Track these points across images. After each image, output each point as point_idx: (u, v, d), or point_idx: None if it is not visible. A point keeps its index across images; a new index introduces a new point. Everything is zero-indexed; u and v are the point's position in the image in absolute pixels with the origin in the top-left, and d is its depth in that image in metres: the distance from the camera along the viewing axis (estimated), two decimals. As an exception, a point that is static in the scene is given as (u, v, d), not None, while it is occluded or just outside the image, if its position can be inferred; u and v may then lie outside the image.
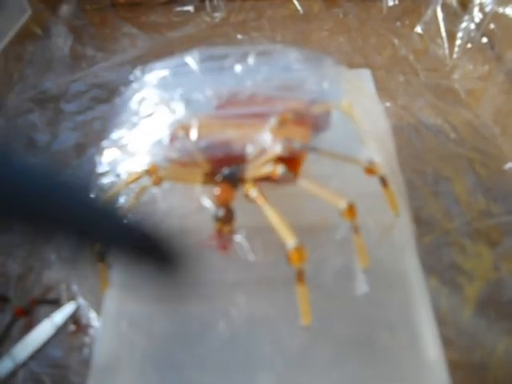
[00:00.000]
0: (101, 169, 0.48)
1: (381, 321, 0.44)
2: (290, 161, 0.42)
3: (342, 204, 0.39)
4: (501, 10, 0.70)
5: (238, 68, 0.51)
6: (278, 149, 0.42)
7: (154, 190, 0.47)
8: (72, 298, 0.49)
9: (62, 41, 0.88)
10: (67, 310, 0.48)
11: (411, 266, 0.47)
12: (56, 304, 0.49)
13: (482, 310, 0.47)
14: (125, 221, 0.24)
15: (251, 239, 0.45)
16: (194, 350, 0.43)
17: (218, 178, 0.44)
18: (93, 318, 0.48)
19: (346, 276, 0.43)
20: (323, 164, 0.46)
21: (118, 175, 0.47)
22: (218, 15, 0.92)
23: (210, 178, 0.44)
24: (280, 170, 0.40)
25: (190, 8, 0.94)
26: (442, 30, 0.80)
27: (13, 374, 0.45)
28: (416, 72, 0.76)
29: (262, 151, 0.43)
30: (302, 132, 0.46)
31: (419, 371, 0.41)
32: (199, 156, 0.45)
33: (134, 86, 0.53)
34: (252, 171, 0.43)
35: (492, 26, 0.72)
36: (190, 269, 0.26)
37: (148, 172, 0.43)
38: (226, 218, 0.42)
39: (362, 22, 0.89)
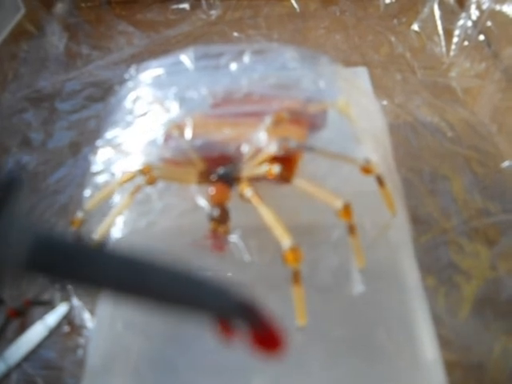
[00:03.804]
0: (95, 168, 0.48)
1: (377, 321, 0.43)
2: (286, 160, 0.42)
3: (338, 204, 0.39)
4: (498, 7, 0.70)
5: (233, 66, 0.50)
6: (273, 148, 0.41)
7: (149, 190, 0.46)
8: (66, 298, 0.49)
9: (56, 39, 0.87)
10: (61, 310, 0.48)
11: (408, 265, 0.47)
12: (49, 305, 0.48)
13: (479, 309, 0.46)
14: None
15: (246, 239, 0.45)
16: (188, 351, 0.43)
17: (213, 177, 0.43)
18: (87, 319, 0.47)
19: (342, 276, 0.43)
20: (319, 163, 0.45)
21: (112, 174, 0.47)
22: (214, 13, 0.92)
23: (204, 177, 0.44)
24: (275, 169, 0.40)
25: (186, 6, 0.93)
26: (439, 27, 0.80)
27: (6, 375, 0.44)
28: (413, 70, 0.76)
29: (258, 150, 0.43)
30: (297, 131, 0.45)
31: (416, 371, 0.41)
32: (194, 155, 0.44)
33: (129, 84, 0.53)
34: (247, 171, 0.43)
35: (489, 23, 0.72)
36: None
37: (142, 172, 0.42)
38: (221, 218, 0.41)
39: (359, 19, 0.89)
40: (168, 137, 0.46)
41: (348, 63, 0.74)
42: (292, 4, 0.93)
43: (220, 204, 0.42)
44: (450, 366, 0.41)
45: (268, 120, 0.43)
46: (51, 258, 0.22)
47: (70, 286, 0.24)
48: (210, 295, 0.26)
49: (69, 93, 0.77)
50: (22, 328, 0.47)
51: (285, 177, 0.41)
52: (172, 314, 0.26)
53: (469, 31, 0.75)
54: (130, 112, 0.50)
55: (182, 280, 0.25)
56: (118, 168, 0.46)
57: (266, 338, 0.27)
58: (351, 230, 0.40)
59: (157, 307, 0.25)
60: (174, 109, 0.47)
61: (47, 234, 0.22)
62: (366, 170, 0.43)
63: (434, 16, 0.82)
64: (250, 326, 0.26)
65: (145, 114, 0.49)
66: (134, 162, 0.45)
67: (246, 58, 0.50)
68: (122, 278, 0.23)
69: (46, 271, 0.22)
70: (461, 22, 0.77)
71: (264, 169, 0.41)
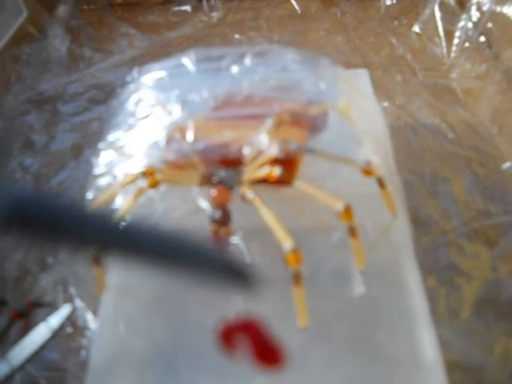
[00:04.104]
0: (97, 170, 0.48)
1: (378, 322, 0.44)
2: (287, 162, 0.42)
3: (339, 206, 0.39)
4: (498, 8, 0.70)
5: (234, 69, 0.50)
6: (274, 150, 0.42)
7: (151, 192, 0.47)
8: (69, 300, 0.49)
9: (58, 42, 0.87)
10: (64, 312, 0.48)
11: (409, 266, 0.47)
12: (52, 306, 0.49)
13: (479, 310, 0.47)
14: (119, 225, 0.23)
15: (248, 241, 0.45)
16: (191, 352, 0.43)
17: (215, 179, 0.43)
18: (90, 320, 0.48)
19: (343, 277, 0.43)
20: (320, 165, 0.46)
21: (114, 177, 0.47)
22: (215, 15, 0.92)
23: (206, 179, 0.44)
24: (277, 171, 0.40)
25: (188, 8, 0.94)
26: (440, 29, 0.80)
27: (10, 377, 0.45)
28: (414, 71, 0.76)
29: (259, 153, 0.43)
30: (298, 133, 0.46)
31: (417, 372, 0.41)
32: (196, 158, 0.44)
33: (131, 87, 0.53)
34: (249, 173, 0.43)
35: (490, 24, 0.72)
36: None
37: (144, 174, 0.43)
38: (223, 220, 0.42)
39: (360, 21, 0.89)
40: (170, 139, 0.46)
41: (349, 65, 0.75)
42: (293, 6, 0.93)
43: (221, 206, 0.42)
44: (451, 367, 0.41)
45: (269, 122, 0.44)
46: (32, 211, 0.21)
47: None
48: (202, 254, 0.25)
49: (71, 95, 0.77)
50: (25, 330, 0.47)
51: (286, 179, 0.41)
52: (162, 271, 0.25)
53: (469, 32, 0.76)
54: (132, 114, 0.50)
55: (169, 239, 0.24)
56: (120, 170, 0.47)
57: (267, 352, 0.27)
58: (352, 231, 0.40)
59: (145, 264, 0.24)
60: (176, 111, 0.48)
61: (30, 191, 0.22)
62: (367, 171, 0.43)
63: (434, 17, 0.82)
64: (250, 339, 0.26)
65: (147, 116, 0.49)
66: (136, 165, 0.45)
67: (247, 61, 0.51)
68: (109, 235, 0.22)
69: (26, 225, 0.21)
70: (461, 24, 0.77)
71: (265, 171, 0.41)
